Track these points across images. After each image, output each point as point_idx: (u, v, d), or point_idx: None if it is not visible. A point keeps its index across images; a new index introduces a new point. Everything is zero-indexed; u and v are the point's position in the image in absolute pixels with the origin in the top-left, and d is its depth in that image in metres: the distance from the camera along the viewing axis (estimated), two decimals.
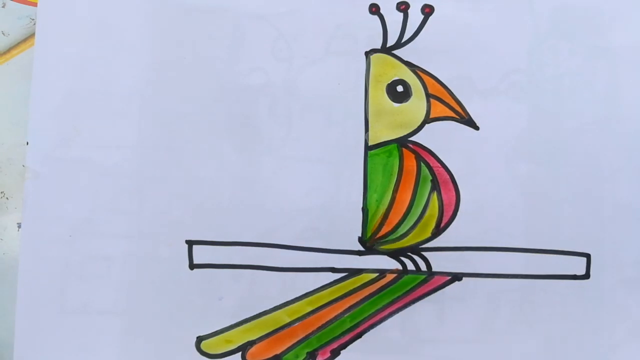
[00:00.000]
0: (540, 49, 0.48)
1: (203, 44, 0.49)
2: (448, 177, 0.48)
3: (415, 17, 0.49)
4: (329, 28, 0.49)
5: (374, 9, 0.48)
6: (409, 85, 0.48)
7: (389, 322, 0.48)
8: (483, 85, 0.48)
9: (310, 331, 0.48)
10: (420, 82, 0.48)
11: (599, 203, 0.48)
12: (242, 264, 0.48)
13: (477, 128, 0.48)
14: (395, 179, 0.48)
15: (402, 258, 0.48)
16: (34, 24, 0.51)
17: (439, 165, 0.48)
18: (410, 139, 0.48)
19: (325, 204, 0.48)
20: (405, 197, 0.48)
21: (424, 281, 0.47)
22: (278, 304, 0.48)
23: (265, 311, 0.48)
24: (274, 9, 0.49)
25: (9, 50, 0.53)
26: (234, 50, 0.49)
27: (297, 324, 0.48)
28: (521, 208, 0.48)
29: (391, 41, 0.48)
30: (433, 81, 0.48)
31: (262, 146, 0.48)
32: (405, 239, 0.48)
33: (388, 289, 0.48)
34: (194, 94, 0.48)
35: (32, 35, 0.51)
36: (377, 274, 0.48)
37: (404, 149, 0.48)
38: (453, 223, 0.47)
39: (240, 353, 0.48)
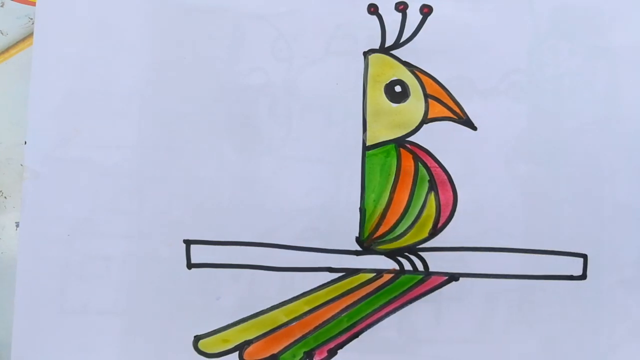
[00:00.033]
0: (540, 49, 0.48)
1: (203, 44, 0.49)
2: (445, 177, 0.48)
3: (414, 17, 0.49)
4: (328, 28, 0.49)
5: (373, 9, 0.48)
6: (407, 86, 0.48)
7: (386, 322, 0.47)
8: (483, 85, 0.48)
9: (307, 331, 0.48)
10: (419, 82, 0.48)
11: (599, 203, 0.48)
12: (240, 264, 0.48)
13: (475, 128, 0.48)
14: (392, 179, 0.48)
15: (400, 258, 0.48)
16: (33, 23, 0.51)
17: (436, 165, 0.48)
18: (408, 139, 0.48)
19: (325, 204, 0.48)
20: (402, 197, 0.48)
21: (421, 281, 0.47)
22: (275, 303, 0.48)
23: (262, 311, 0.48)
24: (274, 9, 0.49)
25: (7, 49, 0.53)
26: (234, 50, 0.49)
27: (294, 323, 0.48)
28: (520, 208, 0.48)
29: (389, 41, 0.48)
30: (431, 81, 0.48)
31: (262, 146, 0.48)
32: (403, 239, 0.48)
33: (385, 288, 0.48)
34: (194, 94, 0.48)
35: (31, 34, 0.51)
36: (374, 274, 0.48)
37: (401, 149, 0.48)
38: (450, 223, 0.47)
39: (237, 352, 0.48)
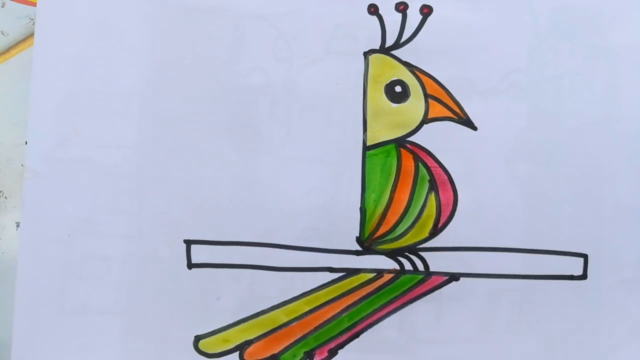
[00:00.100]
0: (540, 49, 0.48)
1: (203, 44, 0.49)
2: (446, 177, 0.48)
3: (414, 17, 0.49)
4: (329, 28, 0.49)
5: (373, 10, 0.48)
6: (407, 86, 0.48)
7: (386, 322, 0.48)
8: (483, 86, 0.48)
9: (307, 331, 0.48)
10: (419, 82, 0.48)
11: (599, 203, 0.48)
12: (240, 264, 0.48)
13: (475, 128, 0.48)
14: (393, 179, 0.48)
15: (400, 258, 0.48)
16: (33, 23, 0.51)
17: (436, 165, 0.48)
18: (408, 139, 0.48)
19: (325, 204, 0.48)
20: (403, 197, 0.48)
21: (422, 281, 0.47)
22: (276, 303, 0.48)
23: (263, 311, 0.48)
24: (274, 9, 0.49)
25: (8, 50, 0.53)
26: (234, 50, 0.49)
27: (294, 323, 0.48)
28: (520, 208, 0.48)
29: (390, 41, 0.48)
30: (431, 81, 0.48)
31: (262, 146, 0.48)
32: (403, 239, 0.48)
33: (385, 288, 0.48)
34: (194, 94, 0.48)
35: (32, 35, 0.51)
36: (374, 274, 0.48)
37: (402, 149, 0.48)
38: (451, 223, 0.47)
39: (237, 352, 0.48)
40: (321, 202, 0.48)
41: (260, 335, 0.48)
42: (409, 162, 0.48)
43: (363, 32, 0.49)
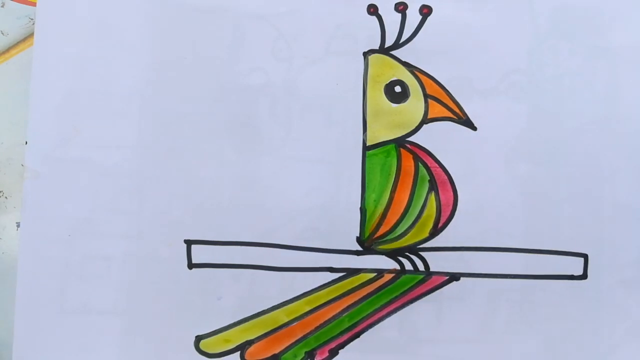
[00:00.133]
0: (540, 49, 0.48)
1: (203, 44, 0.49)
2: (446, 177, 0.48)
3: (414, 17, 0.48)
4: (328, 28, 0.49)
5: (372, 10, 0.48)
6: (407, 86, 0.48)
7: (386, 322, 0.48)
8: (482, 86, 0.48)
9: (308, 331, 0.48)
10: (418, 82, 0.48)
11: (599, 203, 0.48)
12: (240, 264, 0.48)
13: (474, 128, 0.48)
14: (393, 179, 0.48)
15: (400, 258, 0.48)
16: (33, 23, 0.51)
17: (436, 165, 0.48)
18: (408, 139, 0.48)
19: (325, 204, 0.48)
20: (403, 197, 0.48)
21: (422, 281, 0.47)
22: (276, 303, 0.48)
23: (263, 311, 0.48)
24: (274, 9, 0.49)
25: (8, 49, 0.53)
26: (234, 50, 0.49)
27: (295, 323, 0.48)
28: (520, 208, 0.48)
29: (389, 41, 0.48)
30: (431, 82, 0.48)
31: (262, 146, 0.48)
32: (403, 239, 0.48)
33: (386, 288, 0.48)
34: (194, 94, 0.48)
35: (31, 35, 0.51)
36: (375, 274, 0.48)
37: (401, 149, 0.48)
38: (451, 223, 0.47)
39: (238, 352, 0.48)
40: (321, 202, 0.48)
41: (261, 335, 0.48)
42: (408, 162, 0.48)
43: (363, 32, 0.49)
